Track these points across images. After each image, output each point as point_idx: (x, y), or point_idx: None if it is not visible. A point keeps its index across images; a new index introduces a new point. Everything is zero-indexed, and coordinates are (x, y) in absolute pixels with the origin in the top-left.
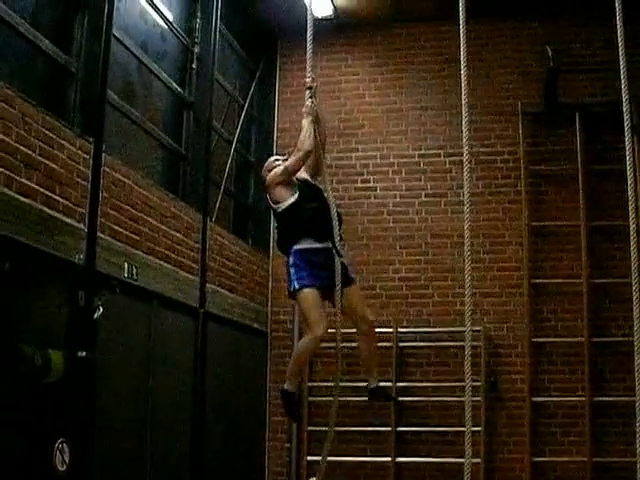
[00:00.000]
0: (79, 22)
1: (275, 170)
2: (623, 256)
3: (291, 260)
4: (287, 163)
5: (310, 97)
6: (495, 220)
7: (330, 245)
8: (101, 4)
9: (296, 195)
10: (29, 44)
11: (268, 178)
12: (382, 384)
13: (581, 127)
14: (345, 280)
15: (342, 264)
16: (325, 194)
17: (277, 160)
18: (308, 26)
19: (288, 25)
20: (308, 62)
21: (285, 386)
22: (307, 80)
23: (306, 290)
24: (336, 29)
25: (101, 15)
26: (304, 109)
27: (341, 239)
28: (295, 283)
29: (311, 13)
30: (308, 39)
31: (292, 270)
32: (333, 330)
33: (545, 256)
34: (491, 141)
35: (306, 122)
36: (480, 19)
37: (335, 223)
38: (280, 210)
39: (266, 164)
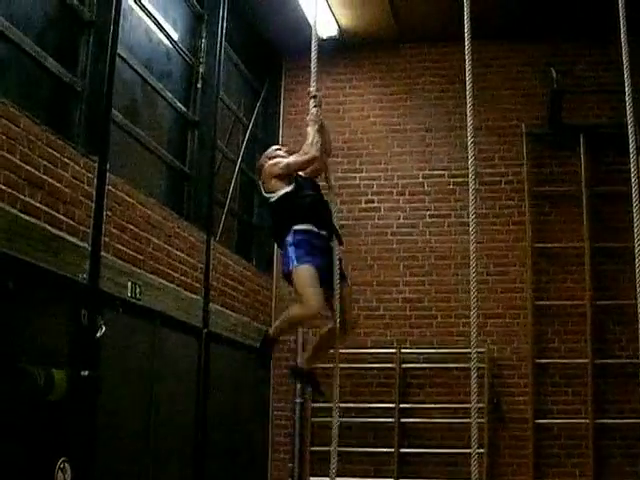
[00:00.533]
0: (84, 41)
1: (276, 162)
2: (627, 277)
3: (290, 239)
4: (290, 160)
5: (315, 105)
6: (499, 241)
7: (327, 235)
8: (106, 23)
9: (292, 186)
10: (34, 63)
11: (267, 167)
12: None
13: (585, 148)
14: (341, 275)
15: (339, 259)
16: (326, 195)
17: (278, 150)
18: (313, 35)
19: (293, 45)
20: (313, 70)
21: (270, 330)
22: (311, 89)
23: (306, 266)
24: (341, 49)
25: (106, 34)
26: (309, 117)
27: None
28: (295, 261)
29: (315, 21)
30: (313, 47)
31: (291, 249)
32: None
33: (549, 277)
34: (495, 162)
35: (312, 130)
36: (484, 40)
37: (334, 212)
38: (273, 199)
39: (266, 152)
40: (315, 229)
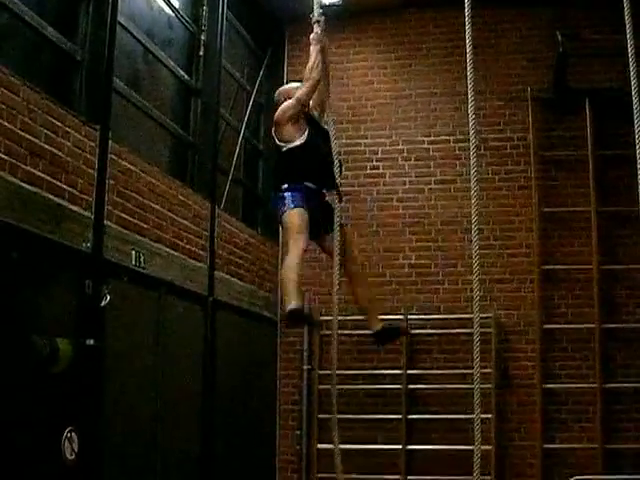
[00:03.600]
0: (84, 9)
1: (286, 104)
2: (634, 242)
3: (287, 186)
4: (298, 94)
5: (319, 27)
6: (505, 206)
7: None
8: None
9: (305, 136)
10: (34, 32)
11: (279, 113)
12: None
13: (591, 112)
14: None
15: (333, 211)
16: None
17: (296, 86)
18: None
19: (296, 12)
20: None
21: (289, 307)
22: (315, 14)
23: (299, 209)
24: (344, 15)
25: (106, 2)
26: (313, 37)
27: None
28: (290, 204)
29: None
30: None
31: (288, 194)
32: (341, 317)
33: (555, 242)
34: (500, 127)
35: (314, 51)
36: (489, 5)
37: (336, 169)
38: (285, 149)
39: (284, 88)
40: (315, 187)
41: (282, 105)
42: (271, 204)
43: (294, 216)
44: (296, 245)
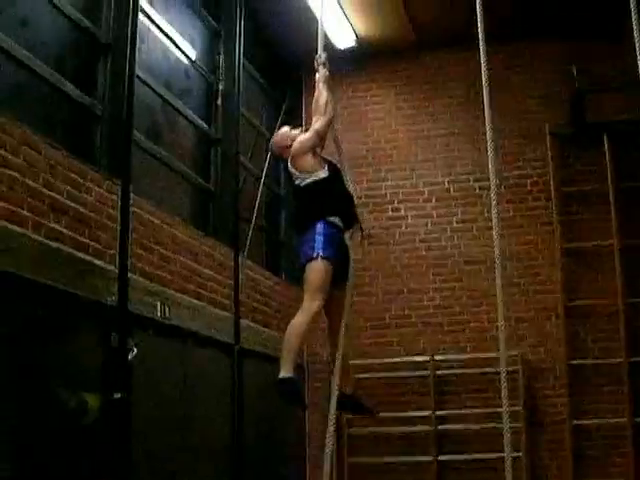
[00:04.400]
0: (102, 64)
1: (304, 136)
2: None
3: (320, 228)
4: (316, 126)
5: (325, 68)
6: (528, 243)
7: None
8: (123, 45)
9: (326, 169)
10: (53, 88)
11: (297, 145)
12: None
13: (609, 146)
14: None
15: (349, 256)
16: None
17: (293, 129)
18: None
19: (312, 56)
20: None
21: (280, 375)
22: (322, 57)
23: (327, 262)
24: (359, 59)
25: (124, 57)
26: (320, 77)
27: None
28: (320, 251)
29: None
30: (320, 23)
31: (320, 238)
32: (370, 360)
33: (579, 277)
34: (520, 164)
35: (324, 88)
36: (503, 42)
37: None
38: (307, 182)
39: (281, 132)
40: (340, 224)
41: (299, 137)
42: (296, 245)
43: (319, 271)
44: (311, 306)
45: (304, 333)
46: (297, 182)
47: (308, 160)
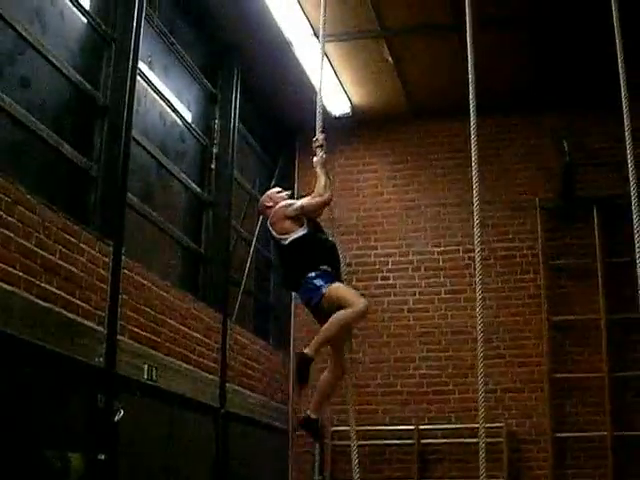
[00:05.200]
0: (99, 126)
1: (291, 205)
2: None
3: (310, 275)
4: (304, 202)
5: (323, 151)
6: (515, 315)
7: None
8: (121, 108)
9: (305, 227)
10: (50, 149)
11: (279, 209)
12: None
13: (599, 220)
14: None
15: None
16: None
17: (280, 192)
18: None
19: (306, 122)
20: (318, 120)
21: (306, 350)
22: (320, 139)
23: (336, 283)
24: (353, 127)
25: (121, 118)
26: (318, 160)
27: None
28: (323, 288)
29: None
30: (318, 104)
31: (317, 281)
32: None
33: (566, 350)
34: (509, 236)
35: (322, 173)
36: (496, 115)
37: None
38: (288, 242)
39: (269, 194)
40: (330, 270)
41: (282, 203)
42: (301, 298)
43: (338, 288)
44: (360, 304)
45: (347, 325)
46: (281, 242)
47: (286, 224)
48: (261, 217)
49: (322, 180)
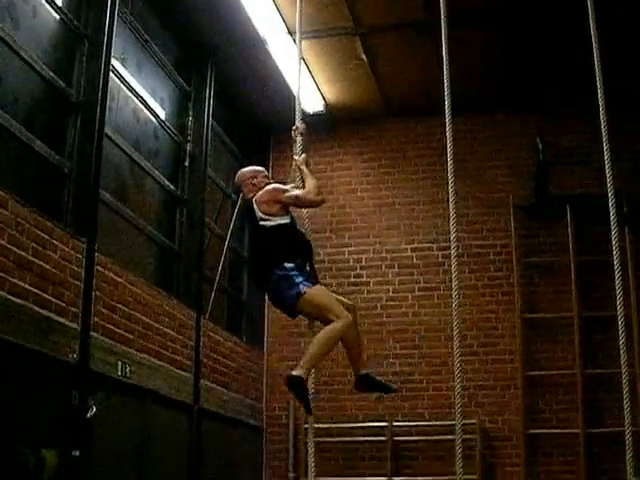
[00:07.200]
0: (72, 122)
1: (287, 191)
2: (617, 346)
3: (289, 266)
4: (300, 194)
5: (303, 143)
6: (489, 312)
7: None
8: (94, 104)
9: (289, 217)
10: (22, 145)
11: (272, 190)
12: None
13: (572, 219)
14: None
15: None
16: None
17: (266, 176)
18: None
19: (280, 120)
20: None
21: (295, 372)
22: (298, 127)
23: (317, 285)
24: (327, 124)
25: (94, 115)
26: (301, 161)
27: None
28: (301, 286)
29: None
30: (295, 92)
31: (293, 274)
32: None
33: (539, 347)
34: (483, 234)
35: (308, 173)
36: (470, 113)
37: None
38: (269, 226)
39: (255, 170)
40: (308, 269)
41: (275, 186)
42: (272, 293)
43: (318, 294)
44: (344, 318)
45: (334, 341)
46: (262, 223)
47: (274, 208)
48: (235, 214)
49: (312, 181)
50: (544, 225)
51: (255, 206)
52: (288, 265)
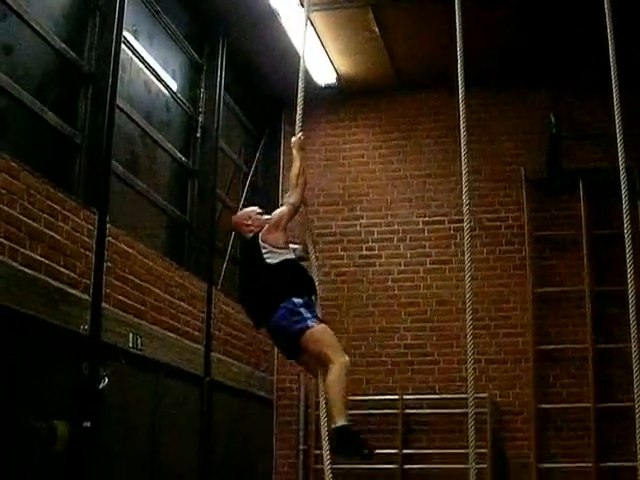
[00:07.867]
0: (84, 94)
1: (281, 209)
2: (628, 321)
3: (297, 301)
4: (292, 200)
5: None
6: (500, 286)
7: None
8: (105, 76)
9: (291, 252)
10: (34, 116)
11: (277, 219)
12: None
13: (584, 193)
14: None
15: None
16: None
17: (260, 214)
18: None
19: (292, 93)
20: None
21: (340, 423)
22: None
23: (323, 324)
24: (340, 97)
25: (105, 87)
26: (299, 143)
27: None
28: (309, 322)
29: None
30: (299, 95)
31: (303, 309)
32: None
33: (550, 322)
34: (495, 207)
35: (299, 158)
36: (483, 87)
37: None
38: (277, 262)
39: (248, 212)
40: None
41: (278, 211)
42: (274, 322)
43: (325, 331)
44: (345, 360)
45: (345, 379)
46: (268, 261)
47: (282, 236)
48: (246, 186)
49: (296, 166)
50: (556, 199)
51: (260, 243)
52: (297, 300)
